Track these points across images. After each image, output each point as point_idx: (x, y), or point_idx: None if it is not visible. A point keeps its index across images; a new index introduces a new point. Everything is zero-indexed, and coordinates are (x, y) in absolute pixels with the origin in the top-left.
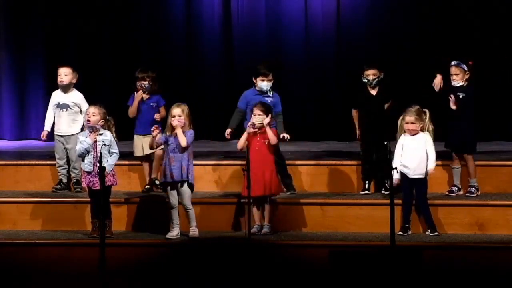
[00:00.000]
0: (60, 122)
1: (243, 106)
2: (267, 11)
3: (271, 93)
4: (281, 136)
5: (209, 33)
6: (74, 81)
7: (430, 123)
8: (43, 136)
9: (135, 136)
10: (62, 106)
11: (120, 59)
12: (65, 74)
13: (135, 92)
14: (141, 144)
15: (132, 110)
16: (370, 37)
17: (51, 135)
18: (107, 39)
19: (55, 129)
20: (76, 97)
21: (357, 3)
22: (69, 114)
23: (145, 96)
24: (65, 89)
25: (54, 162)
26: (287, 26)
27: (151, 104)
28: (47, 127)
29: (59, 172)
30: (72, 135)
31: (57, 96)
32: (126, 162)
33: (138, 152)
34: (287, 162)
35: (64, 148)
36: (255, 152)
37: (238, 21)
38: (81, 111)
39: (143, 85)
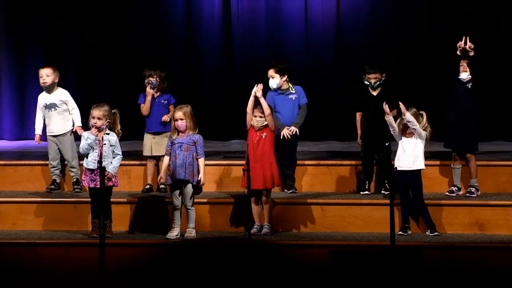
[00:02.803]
0: (52, 123)
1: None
2: (267, 11)
3: (292, 89)
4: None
5: (209, 33)
6: (56, 80)
7: (428, 125)
8: (36, 140)
9: (145, 135)
10: (50, 107)
11: (120, 59)
12: (47, 75)
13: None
14: (150, 144)
15: (145, 108)
16: (370, 37)
17: (44, 137)
18: (107, 39)
19: (47, 130)
20: (62, 95)
21: (357, 3)
22: (58, 113)
23: (156, 94)
24: (49, 89)
25: None
26: (287, 26)
27: (162, 101)
28: (38, 131)
29: (52, 172)
30: (65, 134)
31: (43, 98)
32: (126, 162)
33: (146, 152)
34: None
35: (58, 148)
36: (253, 146)
37: (238, 21)
38: (68, 108)
39: (150, 81)
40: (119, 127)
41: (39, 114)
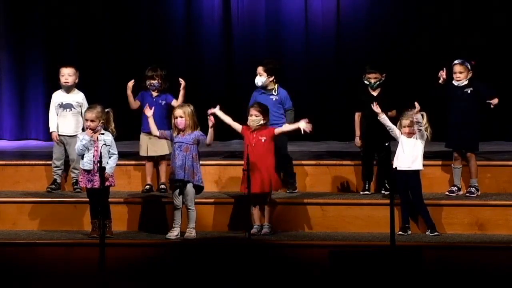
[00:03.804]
0: (64, 123)
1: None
2: (267, 11)
3: (275, 91)
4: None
5: (209, 33)
6: (76, 81)
7: (429, 125)
8: (55, 138)
9: (141, 135)
10: (65, 106)
11: (120, 59)
12: (69, 75)
13: (146, 90)
14: (145, 144)
15: (130, 102)
16: (370, 37)
17: (49, 137)
18: (107, 39)
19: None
20: (79, 96)
21: (357, 3)
22: (73, 114)
23: (154, 94)
24: (69, 89)
25: None
26: (287, 26)
27: (160, 101)
28: (54, 128)
29: (54, 172)
30: (74, 136)
31: (59, 97)
32: (126, 162)
33: (142, 152)
34: None
35: (64, 149)
36: (251, 149)
37: (238, 21)
38: (82, 111)
39: (152, 83)
40: (113, 125)
41: (53, 112)
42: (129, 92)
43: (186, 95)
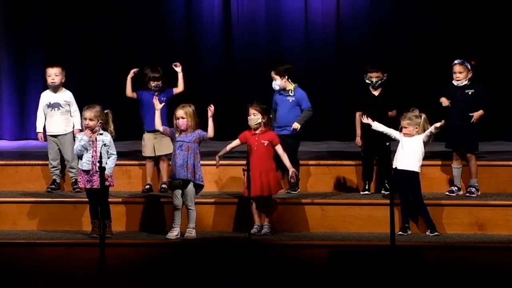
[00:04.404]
0: (53, 122)
1: (274, 107)
2: (267, 11)
3: (292, 92)
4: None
5: (209, 33)
6: (63, 80)
7: (428, 126)
8: (40, 138)
9: (145, 134)
10: (53, 106)
11: (120, 59)
12: (55, 75)
13: (148, 90)
14: (151, 144)
15: (127, 88)
16: (370, 37)
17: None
18: (107, 39)
19: (48, 129)
20: (66, 95)
21: (357, 3)
22: (61, 113)
23: (156, 93)
24: (56, 89)
25: None
26: (287, 26)
27: (162, 98)
28: (40, 129)
29: (52, 172)
30: (66, 134)
31: (47, 96)
32: (126, 162)
33: (148, 153)
34: None
35: (58, 148)
36: (252, 151)
37: (238, 21)
38: (70, 110)
39: (158, 85)
40: (112, 127)
41: (41, 112)
42: (129, 78)
43: (185, 91)
